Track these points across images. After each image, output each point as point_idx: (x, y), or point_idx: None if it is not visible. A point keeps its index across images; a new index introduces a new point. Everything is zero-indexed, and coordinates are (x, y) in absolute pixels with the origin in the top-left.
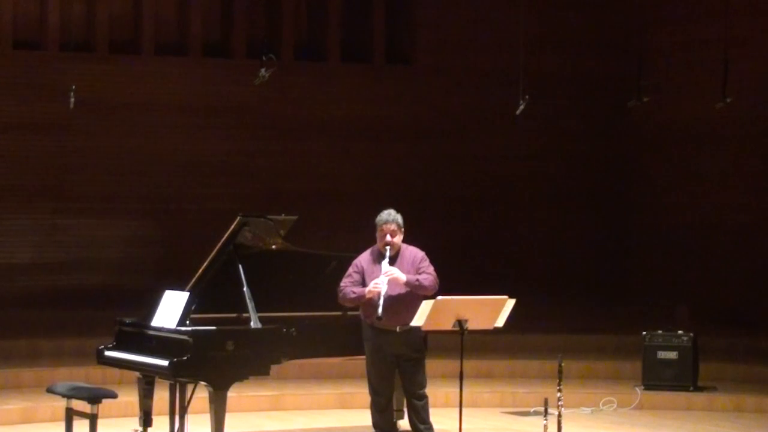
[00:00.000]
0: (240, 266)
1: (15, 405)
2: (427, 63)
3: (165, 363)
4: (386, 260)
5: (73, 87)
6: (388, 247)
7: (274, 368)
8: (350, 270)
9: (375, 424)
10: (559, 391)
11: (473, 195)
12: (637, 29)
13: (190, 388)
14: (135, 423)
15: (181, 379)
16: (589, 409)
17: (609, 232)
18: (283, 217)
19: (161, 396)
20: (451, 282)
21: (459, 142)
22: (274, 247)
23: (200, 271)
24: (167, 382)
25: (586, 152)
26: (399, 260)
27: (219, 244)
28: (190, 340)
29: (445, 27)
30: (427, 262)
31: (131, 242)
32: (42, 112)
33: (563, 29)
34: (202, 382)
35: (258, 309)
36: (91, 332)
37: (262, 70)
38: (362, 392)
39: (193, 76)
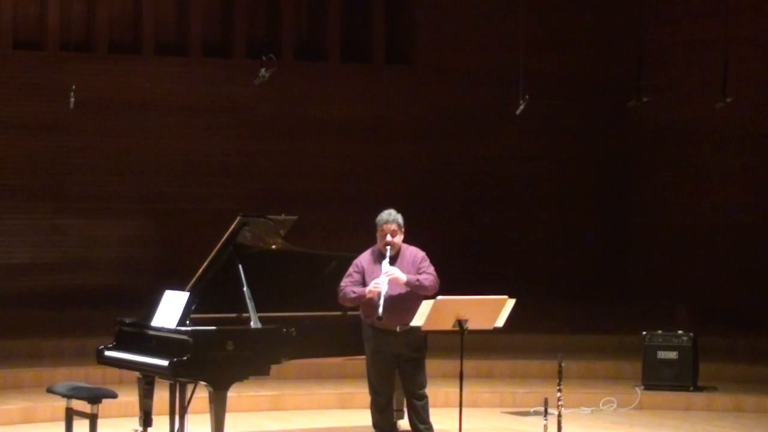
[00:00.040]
0: (240, 266)
1: (15, 405)
2: (427, 63)
3: (165, 363)
4: (387, 260)
5: (73, 87)
6: (388, 247)
7: (274, 368)
8: (350, 270)
9: (375, 424)
10: (559, 391)
11: (473, 195)
12: (637, 29)
13: (190, 388)
14: (135, 423)
15: (181, 379)
16: (589, 409)
17: (609, 232)
18: (283, 217)
19: (161, 396)
20: (451, 282)
21: (459, 142)
22: (274, 247)
23: (200, 271)
24: (167, 382)
25: (586, 152)
26: (399, 260)
27: (219, 244)
28: (190, 340)
29: (445, 27)
30: (427, 262)
31: (131, 242)
32: (42, 112)
33: (563, 29)
34: (202, 382)
35: (258, 309)
36: (91, 332)
37: (262, 70)
38: (362, 392)
39: (193, 76)
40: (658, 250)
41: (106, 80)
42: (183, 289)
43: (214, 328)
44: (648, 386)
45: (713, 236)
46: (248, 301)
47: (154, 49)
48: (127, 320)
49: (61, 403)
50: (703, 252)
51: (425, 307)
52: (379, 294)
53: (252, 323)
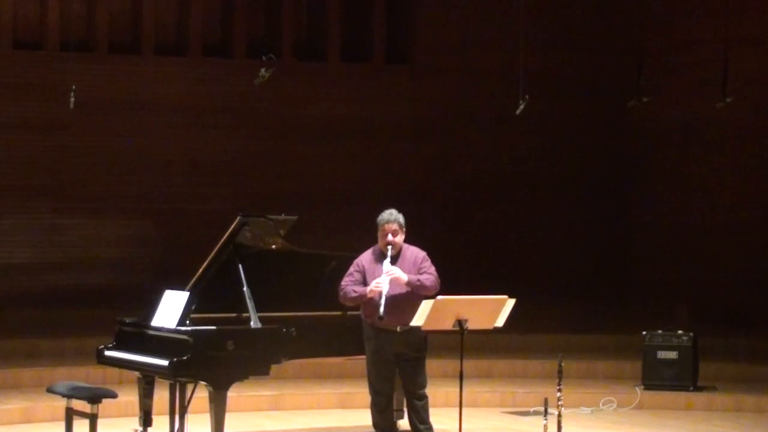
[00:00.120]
0: (240, 266)
1: (15, 405)
2: (427, 63)
3: (165, 363)
4: (388, 260)
5: (73, 87)
6: (389, 247)
7: (274, 368)
8: (351, 269)
9: (375, 424)
10: (559, 391)
11: (473, 195)
12: (637, 29)
13: (190, 388)
14: (135, 423)
15: (181, 379)
16: (589, 409)
17: (609, 232)
18: (283, 217)
19: (161, 396)
20: (451, 282)
21: (459, 142)
22: (274, 247)
23: (200, 270)
24: (167, 382)
25: (586, 152)
26: (400, 260)
27: (219, 244)
28: (190, 340)
29: (445, 27)
30: (428, 262)
31: (131, 242)
32: (42, 112)
33: (563, 29)
34: (202, 382)
35: (258, 309)
36: (91, 332)
37: (262, 70)
38: (362, 392)
39: (193, 76)
40: (658, 249)
41: (106, 80)
42: (183, 289)
43: (214, 328)
44: (648, 386)
45: (713, 236)
46: (248, 301)
47: (154, 49)
48: (127, 320)
49: (61, 403)
50: (703, 252)
51: (425, 306)
52: (380, 294)
53: (252, 323)
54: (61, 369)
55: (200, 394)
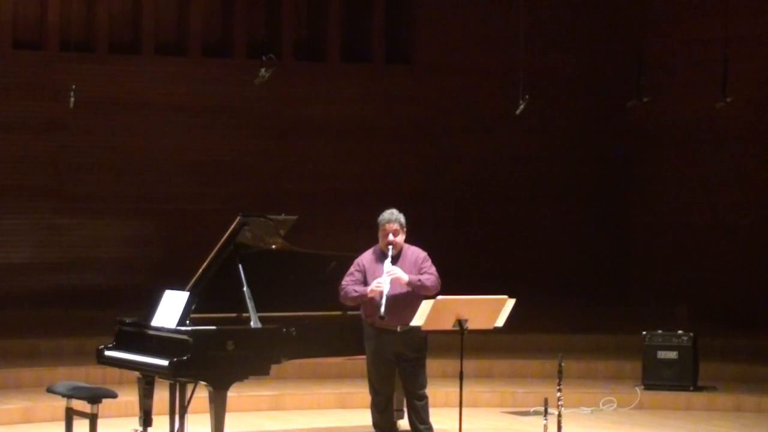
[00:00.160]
0: (240, 266)
1: (15, 405)
2: (427, 63)
3: (165, 363)
4: (388, 259)
5: (73, 87)
6: (390, 247)
7: (274, 368)
8: (352, 268)
9: (375, 424)
10: (559, 391)
11: (473, 195)
12: (637, 29)
13: (190, 388)
14: (135, 423)
15: (181, 379)
16: (589, 409)
17: (609, 232)
18: (283, 217)
19: (161, 396)
20: (451, 282)
21: (459, 142)
22: (274, 246)
23: (200, 270)
24: (167, 382)
25: (586, 152)
26: (401, 260)
27: (219, 244)
28: (190, 339)
29: (444, 27)
30: (429, 263)
31: (131, 242)
32: (42, 112)
33: (563, 29)
34: (202, 382)
35: (258, 309)
36: (91, 332)
37: (262, 70)
38: (362, 392)
39: (193, 76)
40: (658, 250)
41: (106, 80)
42: (183, 289)
43: (214, 327)
44: (648, 386)
45: (713, 236)
46: (248, 300)
47: (154, 49)
48: (127, 320)
49: (61, 403)
50: (703, 252)
51: (425, 306)
52: (380, 293)
53: (252, 323)
54: (61, 369)
55: (200, 394)
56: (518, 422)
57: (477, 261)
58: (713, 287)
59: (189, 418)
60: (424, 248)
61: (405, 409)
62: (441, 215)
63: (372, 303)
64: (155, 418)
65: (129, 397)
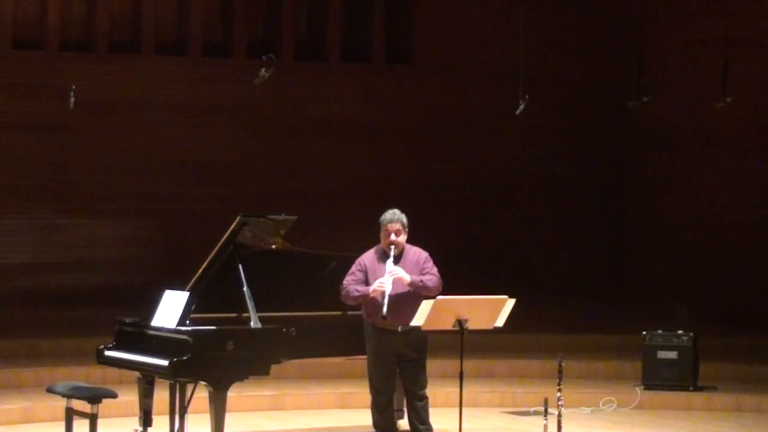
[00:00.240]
0: (240, 266)
1: (15, 405)
2: (427, 63)
3: (165, 363)
4: (390, 259)
5: (73, 87)
6: (392, 247)
7: (274, 368)
8: (353, 268)
9: (375, 424)
10: (559, 391)
11: (473, 195)
12: (637, 29)
13: (190, 388)
14: (135, 423)
15: (181, 379)
16: (589, 409)
17: (609, 232)
18: (283, 217)
19: (161, 396)
20: (451, 282)
21: (459, 142)
22: (274, 247)
23: (200, 270)
24: (167, 382)
25: (586, 152)
26: (403, 260)
27: (219, 244)
28: (190, 339)
29: (445, 27)
30: (431, 263)
31: (131, 242)
32: (42, 112)
33: (563, 29)
34: (202, 382)
35: (258, 309)
36: (91, 332)
37: (262, 70)
38: (362, 392)
39: (193, 76)
40: (658, 249)
41: (106, 80)
42: (183, 289)
43: (214, 328)
44: (648, 386)
45: (713, 236)
46: (248, 300)
47: (154, 49)
48: (127, 320)
49: (61, 403)
50: (703, 252)
51: (425, 306)
52: (382, 293)
53: (252, 323)
54: (61, 369)
55: (200, 394)
56: (518, 422)
57: (477, 261)
58: (713, 287)
59: (189, 418)
60: (423, 248)
61: (405, 410)
62: (441, 215)
63: (374, 303)
64: (155, 418)
65: (129, 397)
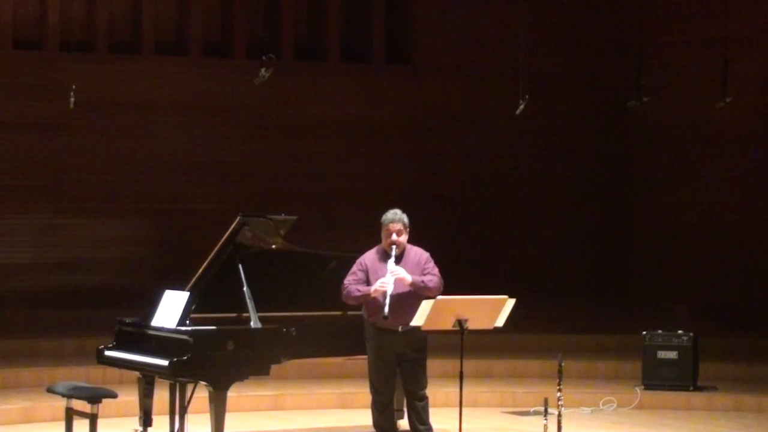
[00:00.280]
0: (240, 266)
1: (15, 405)
2: (427, 63)
3: (165, 363)
4: (392, 259)
5: (73, 87)
6: (393, 247)
7: (274, 368)
8: (354, 268)
9: (375, 424)
10: (559, 391)
11: (473, 195)
12: (637, 29)
13: (190, 388)
14: (135, 423)
15: (181, 378)
16: (589, 409)
17: (609, 232)
18: (283, 217)
19: (161, 396)
20: (451, 282)
21: (459, 142)
22: (274, 247)
23: (200, 270)
24: (167, 382)
25: (586, 152)
26: (404, 260)
27: (219, 244)
28: (190, 339)
29: (445, 27)
30: (432, 263)
31: (131, 242)
32: (42, 112)
33: (563, 29)
34: (202, 382)
35: (258, 309)
36: (91, 332)
37: (262, 70)
38: (362, 392)
39: (193, 76)
40: (658, 250)
41: (106, 80)
42: (183, 289)
43: (214, 328)
44: (648, 386)
45: (713, 236)
46: (248, 300)
47: (154, 49)
48: (127, 320)
49: (61, 403)
50: (703, 252)
51: (425, 306)
52: (384, 293)
53: (252, 323)
54: (61, 369)
55: (200, 394)
56: (518, 422)
57: (477, 261)
58: (713, 287)
59: (189, 418)
60: (423, 248)
61: (405, 410)
62: (441, 215)
63: (375, 303)
64: (155, 418)
65: (129, 397)
